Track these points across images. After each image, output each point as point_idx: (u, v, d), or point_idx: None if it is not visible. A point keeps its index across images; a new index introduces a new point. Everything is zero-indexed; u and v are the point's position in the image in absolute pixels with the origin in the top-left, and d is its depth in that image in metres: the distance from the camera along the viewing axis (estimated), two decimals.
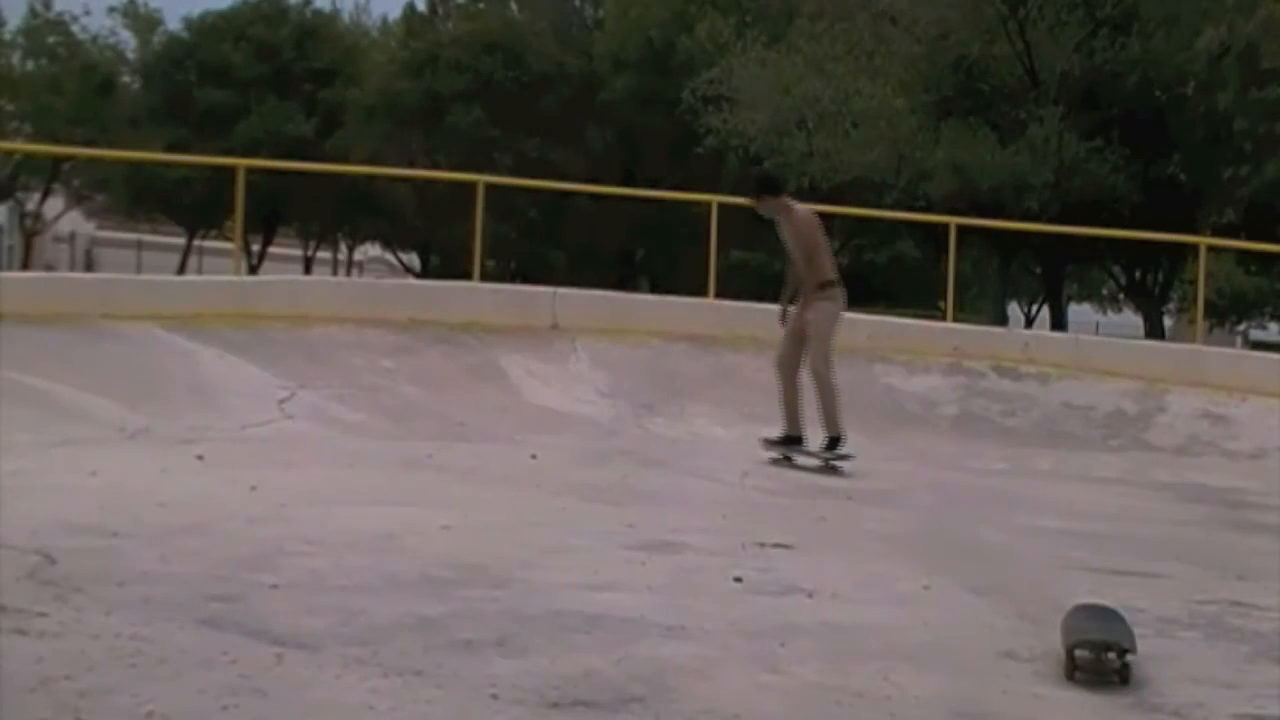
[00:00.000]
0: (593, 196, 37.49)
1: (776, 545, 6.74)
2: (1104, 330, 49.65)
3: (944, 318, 16.96)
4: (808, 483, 9.61)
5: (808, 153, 26.95)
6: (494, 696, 4.19)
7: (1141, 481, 11.11)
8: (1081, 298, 65.80)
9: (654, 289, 41.51)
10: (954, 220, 16.87)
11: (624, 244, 40.69)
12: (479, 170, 28.15)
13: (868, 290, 44.62)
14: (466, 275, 15.68)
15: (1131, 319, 40.40)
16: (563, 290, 14.89)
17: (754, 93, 27.77)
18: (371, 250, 55.79)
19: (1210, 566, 7.26)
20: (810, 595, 5.74)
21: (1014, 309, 65.20)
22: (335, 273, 53.32)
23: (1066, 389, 13.44)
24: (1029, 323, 60.01)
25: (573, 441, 10.74)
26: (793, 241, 10.25)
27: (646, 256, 43.73)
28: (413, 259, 48.60)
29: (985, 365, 13.82)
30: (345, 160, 35.12)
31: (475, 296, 14.23)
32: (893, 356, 13.81)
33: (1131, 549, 7.63)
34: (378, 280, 24.36)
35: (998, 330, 17.53)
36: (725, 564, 6.17)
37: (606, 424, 11.80)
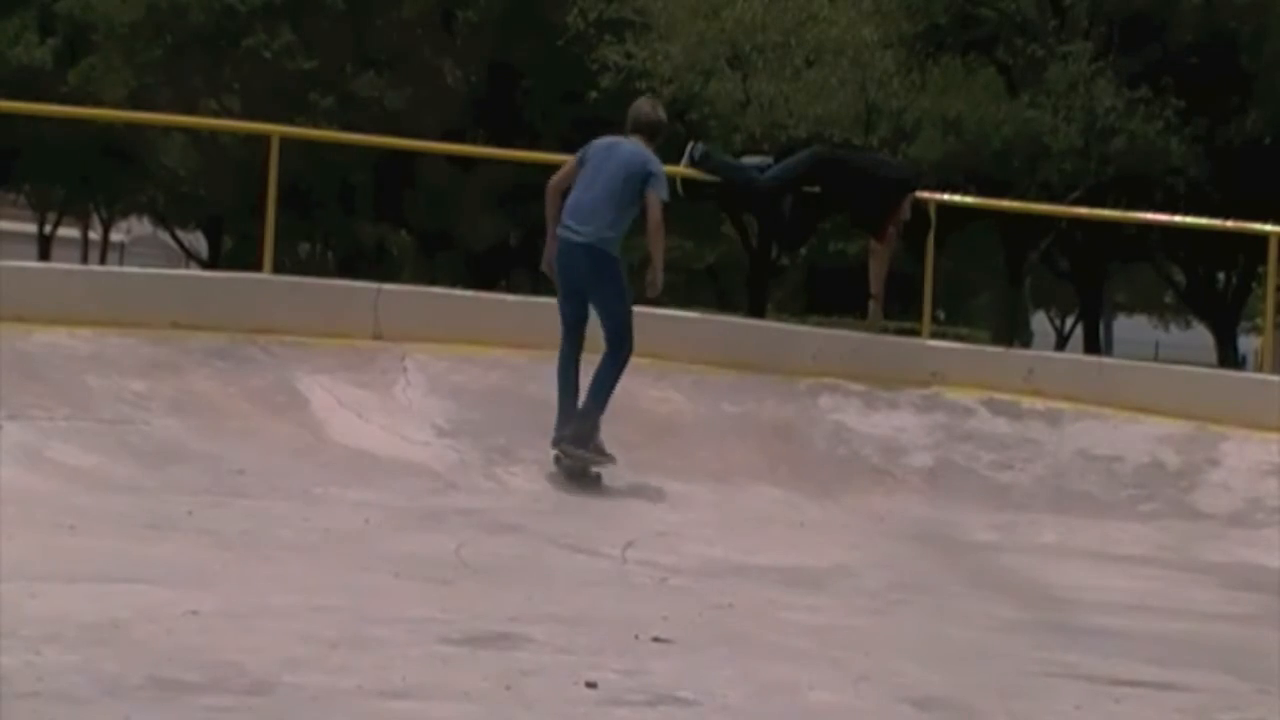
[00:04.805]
0: (450, 158, 37.56)
1: (655, 640, 6.85)
2: (1165, 352, 49.77)
3: (919, 332, 17.04)
4: (719, 558, 9.75)
5: (743, 100, 27.12)
6: None
7: (1179, 561, 11.30)
8: (1134, 308, 66.40)
9: (536, 287, 41.36)
10: (938, 198, 16.74)
11: (496, 223, 40.73)
12: (289, 119, 28.16)
13: (825, 292, 44.94)
14: (258, 264, 15.70)
15: (1206, 338, 40.93)
16: (390, 286, 14.92)
17: (668, 15, 27.91)
18: (139, 228, 55.46)
19: (1249, 677, 7.40)
20: (688, 706, 5.85)
21: (1041, 321, 65.64)
22: (86, 258, 52.85)
23: (1084, 432, 13.62)
24: (1063, 339, 60.16)
25: (395, 498, 10.82)
26: None
27: (527, 241, 43.75)
28: (198, 240, 48.42)
29: (974, 398, 13.99)
30: (98, 101, 34.92)
31: (266, 293, 14.23)
32: (846, 384, 13.96)
33: (1146, 651, 7.78)
34: (127, 270, 24.15)
35: (992, 350, 17.51)
36: (576, 664, 6.27)
37: (445, 474, 11.86)
